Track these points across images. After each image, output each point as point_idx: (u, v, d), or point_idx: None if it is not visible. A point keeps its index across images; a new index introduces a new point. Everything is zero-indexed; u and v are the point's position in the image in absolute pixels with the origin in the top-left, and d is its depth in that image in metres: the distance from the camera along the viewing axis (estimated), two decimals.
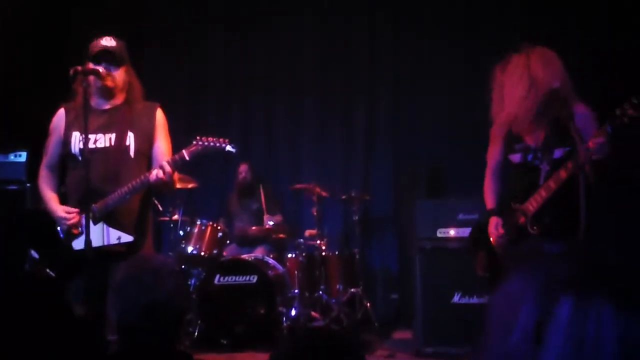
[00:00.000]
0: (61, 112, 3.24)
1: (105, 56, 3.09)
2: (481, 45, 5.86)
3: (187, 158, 2.99)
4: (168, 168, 2.96)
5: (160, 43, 6.70)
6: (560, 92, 3.03)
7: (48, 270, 3.12)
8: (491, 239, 3.20)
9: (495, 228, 3.18)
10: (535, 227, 3.04)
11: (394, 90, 6.41)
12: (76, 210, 3.07)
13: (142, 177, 3.00)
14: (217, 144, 3.00)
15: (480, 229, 3.39)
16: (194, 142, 3.01)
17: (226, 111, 6.70)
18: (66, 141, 3.15)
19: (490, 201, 3.32)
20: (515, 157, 3.20)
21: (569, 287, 0.86)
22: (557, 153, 3.07)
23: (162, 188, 3.12)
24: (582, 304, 0.84)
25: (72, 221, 3.06)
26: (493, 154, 3.36)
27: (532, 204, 3.06)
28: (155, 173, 2.96)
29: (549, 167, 3.08)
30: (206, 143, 2.99)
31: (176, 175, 3.20)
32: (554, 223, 3.02)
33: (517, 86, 3.09)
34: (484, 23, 6.01)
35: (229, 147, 3.01)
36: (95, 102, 3.18)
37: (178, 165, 3.02)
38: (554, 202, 3.01)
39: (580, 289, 0.85)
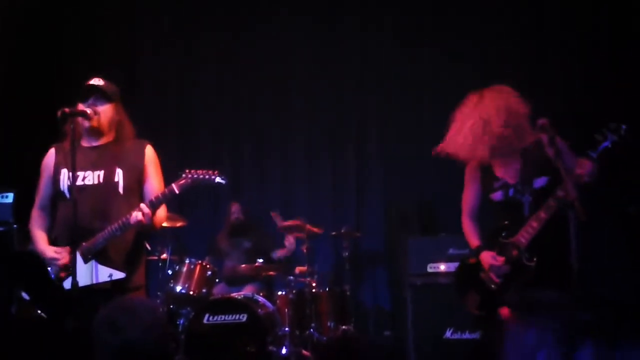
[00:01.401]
0: (51, 151, 3.26)
1: (93, 92, 3.12)
2: (469, 77, 5.94)
3: (176, 192, 2.99)
4: (147, 210, 2.96)
5: (150, 82, 6.74)
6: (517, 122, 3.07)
7: (39, 311, 3.08)
8: (491, 273, 3.14)
9: (493, 259, 3.13)
10: (532, 259, 3.02)
11: (383, 126, 6.47)
12: (66, 249, 3.03)
13: (124, 219, 2.99)
14: (207, 176, 3.01)
15: (465, 269, 3.38)
16: (183, 175, 3.01)
17: (216, 150, 6.72)
18: (55, 179, 3.15)
19: (473, 240, 3.31)
20: (497, 196, 3.21)
21: (589, 333, 0.85)
22: (537, 183, 3.10)
23: (144, 229, 3.11)
24: (605, 349, 0.83)
25: (62, 261, 3.02)
26: (469, 197, 3.38)
27: (523, 236, 3.04)
28: (135, 215, 2.95)
29: (531, 198, 3.09)
30: (195, 176, 3.00)
31: (164, 213, 3.20)
32: (546, 261, 3.00)
33: (472, 126, 3.14)
34: (471, 54, 6.07)
35: (218, 179, 3.02)
36: (85, 140, 3.19)
37: (168, 199, 3.02)
38: (545, 238, 3.00)
39: (602, 334, 0.85)
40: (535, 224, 3.01)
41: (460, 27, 6.15)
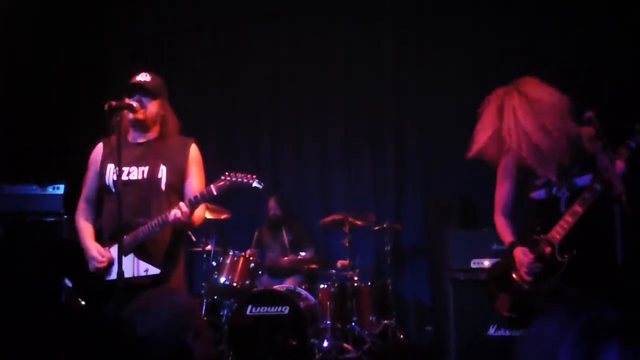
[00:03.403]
0: (99, 146, 3.33)
1: (139, 89, 3.17)
2: (511, 73, 5.85)
3: (214, 193, 3.03)
4: (185, 209, 3.00)
5: (190, 77, 6.82)
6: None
7: (80, 299, 3.17)
8: (522, 271, 3.05)
9: (524, 254, 3.04)
10: (564, 256, 2.93)
11: (423, 119, 6.42)
12: (108, 255, 3.11)
13: (163, 216, 3.04)
14: (245, 180, 3.05)
15: (497, 270, 3.30)
16: (222, 178, 3.06)
17: (256, 144, 6.76)
18: (102, 173, 3.23)
19: (507, 236, 3.20)
20: (539, 194, 3.10)
21: (615, 332, 0.82)
22: (580, 181, 2.99)
23: (181, 227, 3.15)
24: (632, 350, 0.80)
25: (101, 265, 3.10)
26: (502, 194, 3.27)
27: (558, 232, 2.94)
28: (174, 213, 3.00)
29: (569, 194, 3.00)
30: (234, 179, 3.04)
31: (203, 212, 3.25)
32: (586, 255, 2.92)
33: (523, 120, 3.01)
34: (512, 52, 6.00)
35: (255, 184, 3.06)
36: (131, 135, 3.26)
37: (206, 199, 3.07)
38: (582, 234, 2.92)
39: (629, 334, 0.81)
40: (570, 219, 2.91)
41: (488, 54, 6.14)
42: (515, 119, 3.02)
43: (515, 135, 3.01)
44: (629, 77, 5.27)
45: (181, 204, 3.03)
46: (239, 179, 3.04)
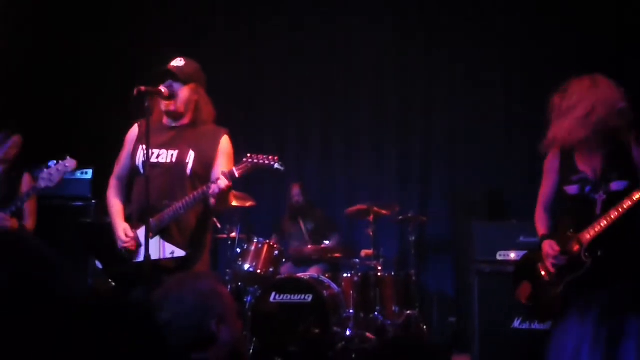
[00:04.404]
0: (135, 126, 3.36)
1: (170, 74, 3.17)
2: (537, 69, 5.80)
3: (236, 175, 3.01)
4: (226, 181, 2.98)
5: (218, 62, 6.82)
6: (626, 111, 2.95)
7: (110, 281, 3.20)
8: (547, 262, 3.12)
9: (550, 247, 3.11)
10: (587, 256, 2.98)
11: (450, 109, 6.37)
12: (132, 235, 3.13)
13: (200, 190, 3.04)
14: (266, 162, 3.04)
15: (526, 259, 3.35)
16: (244, 160, 3.05)
17: (282, 133, 6.77)
18: (133, 154, 3.25)
19: (542, 229, 3.27)
20: (572, 189, 3.13)
21: (635, 303, 0.82)
22: (615, 185, 3.01)
23: (220, 201, 3.11)
24: None
25: (126, 245, 3.13)
26: (546, 189, 3.31)
27: (589, 232, 2.99)
28: (219, 183, 2.96)
29: (605, 197, 3.01)
30: (255, 160, 3.03)
31: (232, 195, 3.24)
32: (610, 258, 2.95)
33: (579, 106, 3.03)
34: (540, 48, 5.93)
35: (277, 165, 3.05)
36: (165, 119, 3.27)
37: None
38: (613, 237, 2.94)
39: None
40: (604, 223, 2.95)
41: (516, 50, 6.10)
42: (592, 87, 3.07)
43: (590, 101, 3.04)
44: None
45: (221, 176, 3.00)
46: (261, 161, 3.03)
